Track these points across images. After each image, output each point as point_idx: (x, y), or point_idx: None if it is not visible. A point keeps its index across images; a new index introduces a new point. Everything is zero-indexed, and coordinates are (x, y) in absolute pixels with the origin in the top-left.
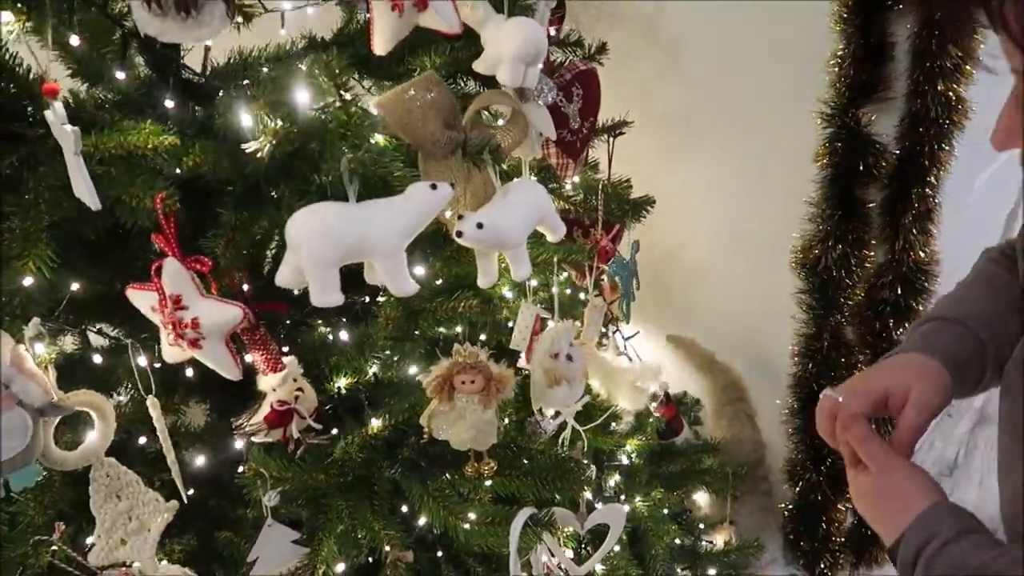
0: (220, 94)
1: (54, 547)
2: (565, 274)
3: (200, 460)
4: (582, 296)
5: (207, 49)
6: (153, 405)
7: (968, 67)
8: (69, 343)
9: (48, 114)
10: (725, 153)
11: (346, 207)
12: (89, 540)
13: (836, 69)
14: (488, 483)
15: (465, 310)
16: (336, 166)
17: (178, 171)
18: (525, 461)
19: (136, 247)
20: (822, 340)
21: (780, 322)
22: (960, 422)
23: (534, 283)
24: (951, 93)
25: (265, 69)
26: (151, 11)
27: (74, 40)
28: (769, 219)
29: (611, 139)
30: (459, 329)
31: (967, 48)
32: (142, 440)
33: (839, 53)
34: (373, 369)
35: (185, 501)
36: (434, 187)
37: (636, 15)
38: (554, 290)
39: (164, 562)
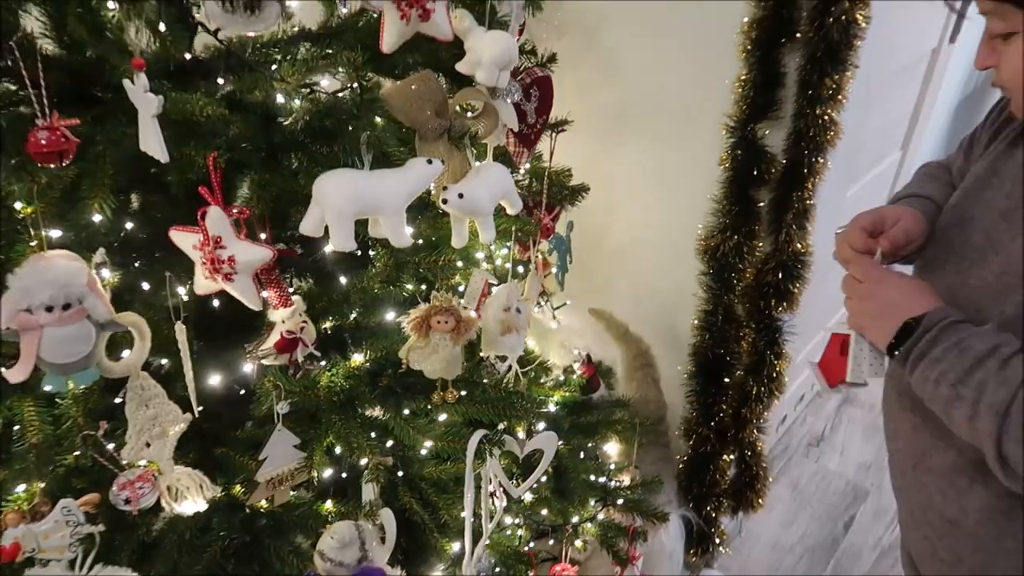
0: (250, 74)
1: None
2: (508, 247)
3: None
4: (520, 269)
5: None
6: (180, 330)
7: (841, 97)
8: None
9: (127, 84)
10: (646, 154)
11: (362, 173)
12: (110, 446)
13: (739, 91)
14: (453, 407)
15: (444, 263)
16: (346, 141)
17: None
18: (480, 393)
19: (179, 197)
20: (717, 315)
21: (684, 300)
22: (829, 401)
23: (480, 255)
24: (827, 116)
25: (287, 56)
26: (224, 8)
27: (162, 27)
28: (679, 212)
29: (554, 134)
30: (423, 287)
31: (841, 81)
32: (164, 361)
33: (742, 78)
34: (354, 315)
35: (196, 416)
36: (430, 162)
37: (577, 28)
38: (505, 254)
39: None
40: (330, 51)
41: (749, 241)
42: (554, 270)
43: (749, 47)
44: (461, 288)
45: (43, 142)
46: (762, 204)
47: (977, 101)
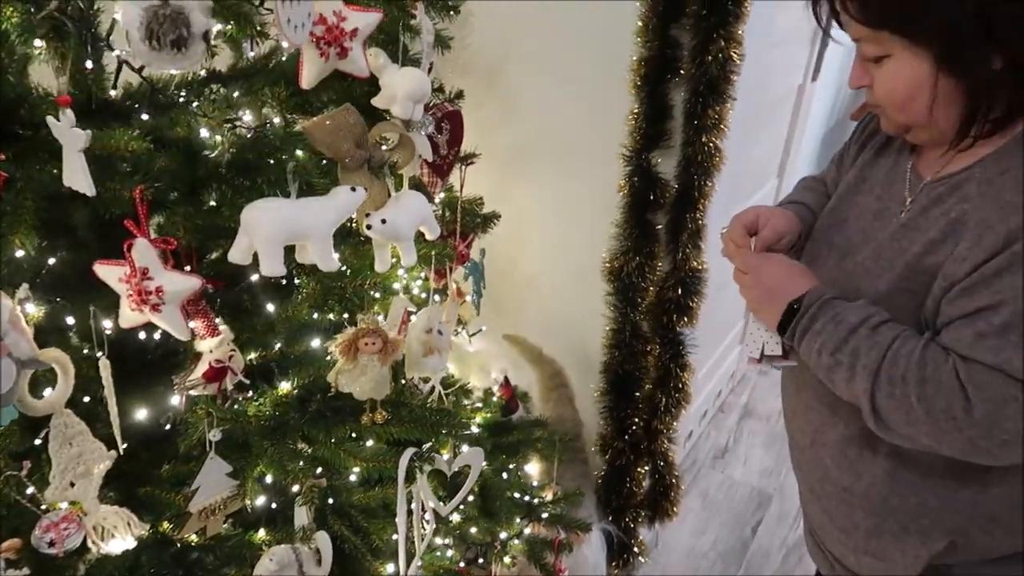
0: (172, 110)
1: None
2: (423, 276)
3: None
4: (436, 297)
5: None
6: (104, 366)
7: (723, 126)
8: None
9: (51, 120)
10: (549, 184)
11: (289, 201)
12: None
13: (633, 123)
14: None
15: (369, 287)
16: (269, 173)
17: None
18: (407, 413)
19: (102, 232)
20: (625, 332)
21: (592, 321)
22: (730, 416)
23: (397, 285)
24: (712, 144)
25: (203, 95)
26: (151, 47)
27: (89, 64)
28: (583, 238)
29: (463, 167)
30: (346, 315)
31: (722, 112)
32: (85, 398)
33: (634, 111)
34: (279, 344)
35: (121, 453)
36: (354, 190)
37: (480, 68)
38: (422, 283)
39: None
40: (241, 92)
41: (650, 261)
42: (469, 297)
43: (639, 83)
44: (380, 317)
45: None
46: (660, 226)
47: (840, 132)
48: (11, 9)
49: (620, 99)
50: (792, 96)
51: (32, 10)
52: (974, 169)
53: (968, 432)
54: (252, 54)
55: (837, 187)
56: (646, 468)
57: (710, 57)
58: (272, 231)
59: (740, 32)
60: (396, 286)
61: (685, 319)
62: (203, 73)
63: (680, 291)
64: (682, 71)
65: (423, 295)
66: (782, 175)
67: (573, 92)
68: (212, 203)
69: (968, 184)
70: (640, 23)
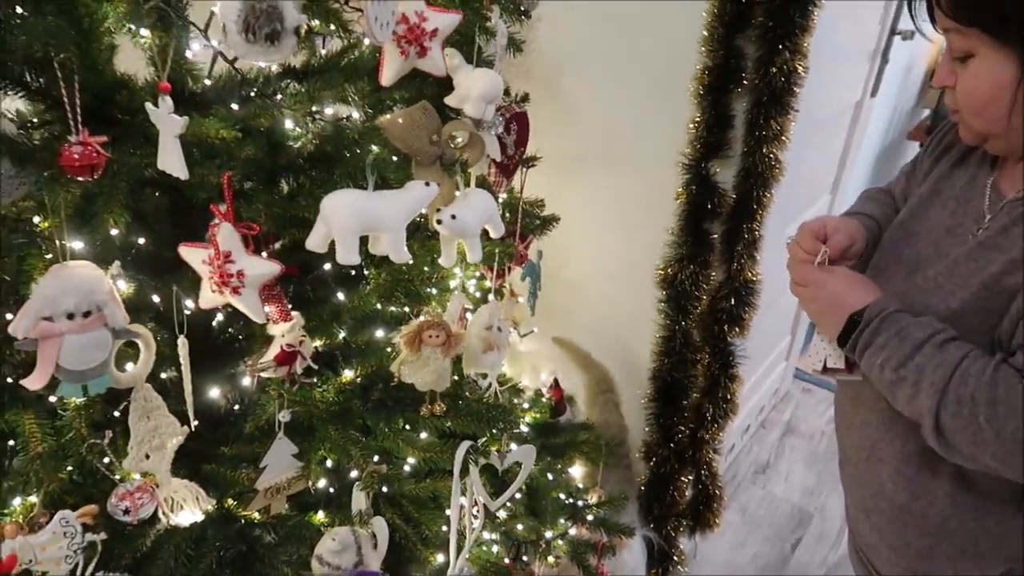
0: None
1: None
2: (478, 274)
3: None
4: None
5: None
6: (183, 344)
7: (784, 138)
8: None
9: (150, 106)
10: (605, 190)
11: (367, 193)
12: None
13: (694, 131)
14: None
15: (437, 280)
16: (346, 166)
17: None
18: (464, 406)
19: (189, 216)
20: (675, 340)
21: (642, 327)
22: (772, 432)
23: (453, 283)
24: (772, 155)
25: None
26: (246, 40)
27: (189, 54)
28: (636, 244)
29: (525, 169)
30: (406, 308)
31: (784, 123)
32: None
33: (696, 120)
34: (343, 334)
35: (192, 429)
36: (427, 184)
37: (540, 72)
38: (477, 282)
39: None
40: (321, 86)
41: (704, 270)
42: (523, 298)
43: (702, 92)
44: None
45: (76, 156)
46: (715, 236)
47: (894, 151)
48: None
49: (679, 107)
50: (849, 112)
51: (141, 1)
52: None
53: None
54: (324, 51)
55: (907, 200)
56: (689, 477)
57: (775, 68)
58: (350, 221)
59: (806, 44)
60: (452, 284)
61: (736, 329)
62: (277, 69)
63: (733, 301)
64: (745, 81)
65: (477, 294)
66: (835, 191)
67: (632, 98)
68: (289, 192)
69: None
70: (705, 32)
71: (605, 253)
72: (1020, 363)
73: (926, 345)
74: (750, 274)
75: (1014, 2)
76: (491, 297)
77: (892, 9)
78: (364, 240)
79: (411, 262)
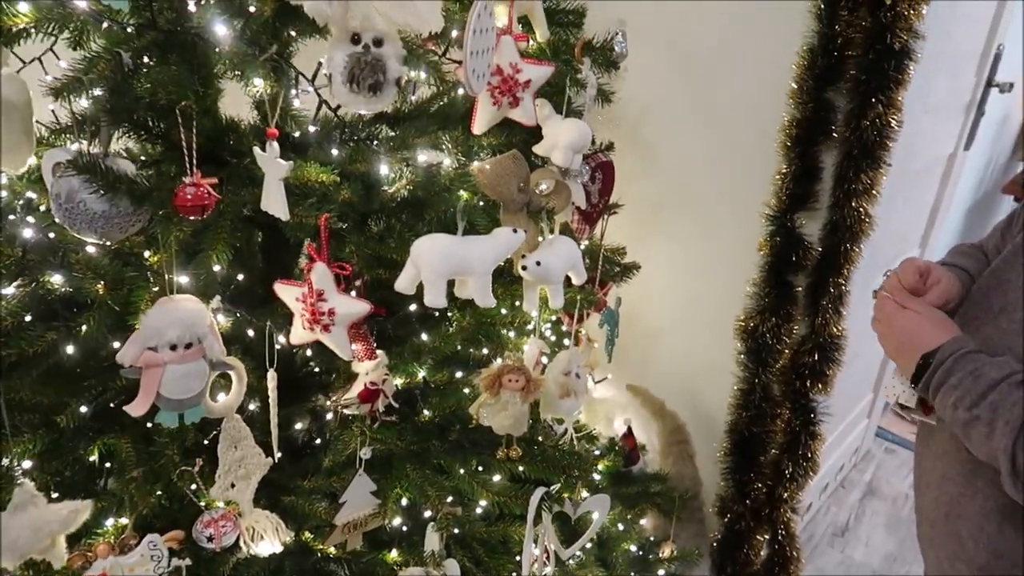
0: (356, 145)
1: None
2: (554, 318)
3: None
4: (565, 341)
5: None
6: (272, 378)
7: (875, 192)
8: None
9: (257, 151)
10: (685, 238)
11: (456, 238)
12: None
13: (780, 183)
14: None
15: (519, 324)
16: (438, 209)
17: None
18: (539, 452)
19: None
20: (755, 394)
21: (718, 379)
22: (852, 492)
23: (530, 326)
24: (862, 209)
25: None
26: (351, 90)
27: (296, 103)
28: (715, 294)
29: (607, 216)
30: (485, 351)
31: (875, 177)
32: (251, 406)
33: (782, 171)
34: (422, 373)
35: (276, 461)
36: (515, 231)
37: (625, 120)
38: (554, 327)
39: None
40: (416, 132)
41: (786, 323)
42: (599, 344)
43: (789, 144)
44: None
45: (189, 197)
46: (799, 288)
47: (987, 205)
48: (235, 49)
49: (766, 157)
50: (942, 164)
51: (256, 52)
52: None
53: None
54: (414, 97)
55: (1000, 253)
56: (765, 537)
57: (867, 122)
58: (439, 264)
59: (900, 98)
60: (529, 326)
61: (820, 385)
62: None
63: (817, 356)
64: (835, 134)
65: (552, 338)
66: (924, 245)
67: (718, 148)
68: (380, 233)
69: None
70: (794, 84)
71: (683, 302)
72: None
73: (1002, 384)
74: (835, 329)
75: None
76: (570, 343)
77: (989, 61)
78: (451, 283)
79: (494, 304)
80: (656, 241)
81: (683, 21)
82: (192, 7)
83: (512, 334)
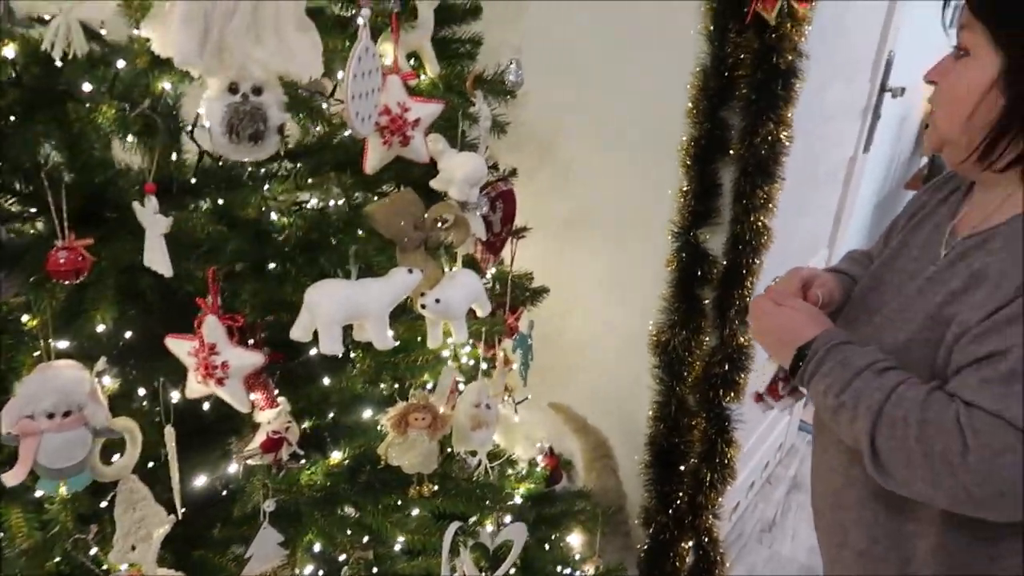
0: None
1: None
2: (470, 346)
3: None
4: (484, 366)
5: None
6: (169, 435)
7: (772, 205)
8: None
9: (136, 206)
10: (601, 254)
11: (350, 282)
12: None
13: (682, 200)
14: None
15: (420, 363)
16: (332, 252)
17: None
18: (453, 486)
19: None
20: (671, 406)
21: (638, 392)
22: (778, 488)
23: (446, 353)
24: (760, 223)
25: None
26: (231, 141)
27: (173, 156)
28: (632, 309)
29: (515, 241)
30: (396, 386)
31: (771, 191)
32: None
33: (684, 188)
34: (332, 414)
35: (179, 517)
36: (410, 271)
37: (534, 143)
38: (470, 351)
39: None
40: (308, 170)
41: (696, 336)
42: (515, 366)
43: (688, 162)
44: (430, 385)
45: (62, 261)
46: (707, 301)
47: (892, 201)
48: (107, 106)
49: (670, 175)
50: (843, 168)
51: (127, 108)
52: (1002, 227)
53: (963, 478)
54: (317, 129)
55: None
56: (690, 543)
57: (759, 139)
58: (333, 311)
59: (790, 115)
60: (444, 353)
61: (732, 394)
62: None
63: (727, 367)
64: (731, 151)
65: (471, 362)
66: (832, 245)
67: (624, 167)
68: (277, 276)
69: (995, 239)
70: (690, 104)
71: (601, 318)
72: (952, 387)
73: (866, 371)
74: (743, 339)
75: (1017, 1)
76: (479, 374)
77: (881, 67)
78: (350, 326)
79: (394, 346)
80: (572, 257)
81: (582, 45)
82: (59, 63)
83: (425, 372)
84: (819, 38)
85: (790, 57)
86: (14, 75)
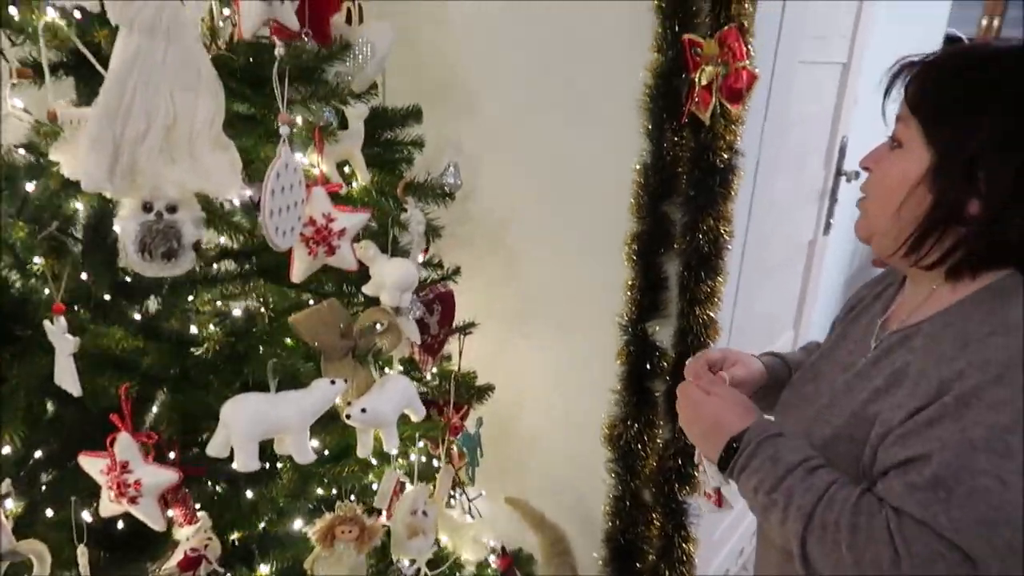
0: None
1: None
2: (422, 443)
3: None
4: (435, 463)
5: None
6: (82, 554)
7: (716, 299)
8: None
9: (48, 324)
10: (551, 346)
11: (267, 396)
12: None
13: (629, 293)
14: None
15: (348, 475)
16: (258, 365)
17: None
18: None
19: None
20: (626, 500)
21: (596, 485)
22: None
23: (394, 452)
24: (706, 316)
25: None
26: (143, 259)
27: (84, 276)
28: (584, 400)
29: (461, 336)
30: (334, 491)
31: (715, 285)
32: None
33: (630, 282)
34: (262, 525)
35: None
36: (332, 382)
37: (482, 237)
38: (412, 459)
39: None
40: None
41: (649, 429)
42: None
43: (634, 256)
44: (375, 486)
45: None
46: (658, 394)
47: (861, 277)
48: (19, 226)
49: (617, 268)
50: (803, 251)
51: (36, 228)
52: (924, 324)
53: None
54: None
55: None
56: None
57: (700, 234)
58: (250, 427)
59: (730, 210)
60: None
61: (687, 488)
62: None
63: (681, 460)
64: (675, 245)
65: (422, 458)
66: (798, 327)
67: (572, 260)
68: (202, 389)
69: (917, 336)
70: (632, 200)
71: (555, 408)
72: (880, 491)
73: (798, 469)
74: None
75: (952, 102)
76: (414, 481)
77: (835, 153)
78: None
79: (322, 455)
80: (523, 348)
81: (529, 140)
82: None
83: (374, 460)
84: (769, 129)
85: (726, 155)
86: None
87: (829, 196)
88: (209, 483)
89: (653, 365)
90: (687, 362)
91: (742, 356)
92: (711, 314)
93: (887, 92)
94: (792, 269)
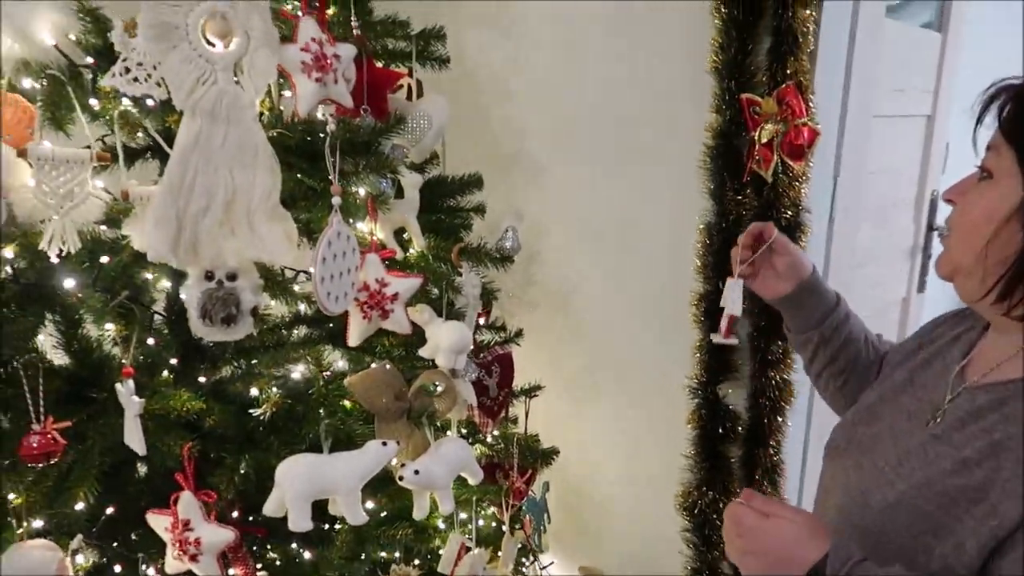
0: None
1: None
2: (492, 509)
3: None
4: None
5: None
6: None
7: (789, 360)
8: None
9: (119, 387)
10: (620, 410)
11: (320, 457)
12: None
13: (698, 355)
14: None
15: (401, 537)
16: (315, 425)
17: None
18: None
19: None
20: (702, 573)
21: (673, 554)
22: None
23: (463, 516)
24: (780, 378)
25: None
26: (204, 324)
27: (151, 341)
28: (656, 467)
29: (527, 399)
30: (397, 554)
31: (786, 347)
32: None
33: (698, 343)
34: None
35: None
36: (385, 444)
37: (547, 301)
38: (478, 523)
39: None
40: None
41: (725, 497)
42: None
43: (702, 318)
44: (440, 551)
45: (34, 445)
46: (733, 460)
47: None
48: (94, 296)
49: (684, 330)
50: (896, 308)
51: (108, 296)
52: (1019, 382)
53: None
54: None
55: (881, 365)
56: None
57: None
58: (302, 487)
59: None
60: (463, 515)
61: None
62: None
63: None
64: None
65: (492, 524)
66: None
67: (638, 323)
68: (264, 450)
69: (1015, 401)
70: (697, 261)
71: (627, 475)
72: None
73: None
74: None
75: None
76: (472, 544)
77: (925, 207)
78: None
79: (380, 517)
80: (592, 410)
81: (594, 200)
82: (54, 259)
83: (442, 524)
84: (843, 184)
85: (790, 212)
86: (11, 272)
87: (922, 252)
88: (269, 545)
89: (726, 429)
90: (732, 250)
91: (791, 245)
92: (785, 376)
93: (980, 118)
94: (883, 327)
